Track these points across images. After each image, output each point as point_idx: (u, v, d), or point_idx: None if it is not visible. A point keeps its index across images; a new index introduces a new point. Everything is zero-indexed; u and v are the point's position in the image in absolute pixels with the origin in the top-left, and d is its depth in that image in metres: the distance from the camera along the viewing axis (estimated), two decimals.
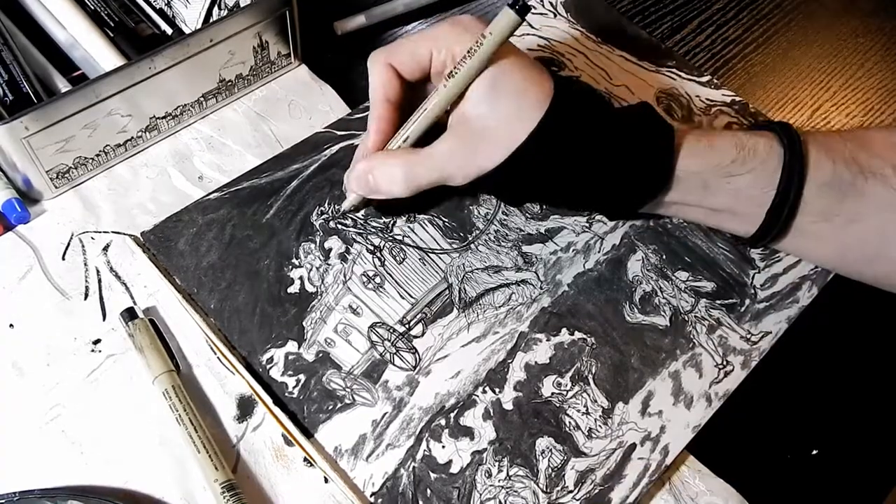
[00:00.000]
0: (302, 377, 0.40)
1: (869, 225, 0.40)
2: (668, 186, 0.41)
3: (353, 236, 0.45)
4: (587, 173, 0.40)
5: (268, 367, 0.40)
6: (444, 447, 0.39)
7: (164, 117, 0.48)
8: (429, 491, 0.37)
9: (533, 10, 0.59)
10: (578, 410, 0.40)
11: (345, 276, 0.43)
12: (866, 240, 0.40)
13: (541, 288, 0.44)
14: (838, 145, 0.40)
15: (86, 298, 0.42)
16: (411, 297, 0.43)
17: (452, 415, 0.40)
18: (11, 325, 0.40)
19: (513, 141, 0.38)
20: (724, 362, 0.43)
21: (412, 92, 0.42)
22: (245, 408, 0.39)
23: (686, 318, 0.44)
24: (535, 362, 0.42)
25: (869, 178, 0.39)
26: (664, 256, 0.46)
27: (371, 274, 0.44)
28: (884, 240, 0.40)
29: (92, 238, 0.44)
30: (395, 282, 0.44)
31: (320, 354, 0.41)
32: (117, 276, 0.43)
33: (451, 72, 0.38)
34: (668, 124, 0.40)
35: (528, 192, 0.44)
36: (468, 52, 0.37)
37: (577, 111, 0.39)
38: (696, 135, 0.41)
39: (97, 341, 0.40)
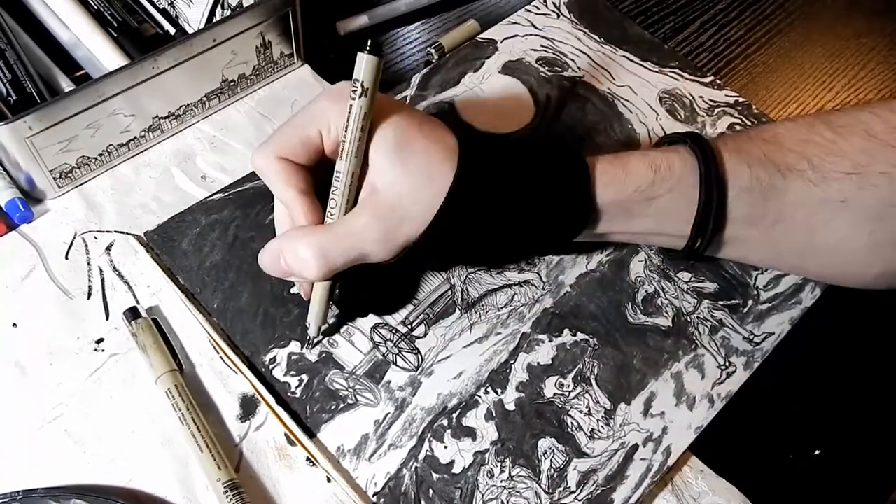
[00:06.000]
0: (305, 377, 0.40)
1: (795, 221, 0.39)
2: (590, 220, 0.39)
3: None
4: (510, 221, 0.38)
5: (271, 367, 0.40)
6: (446, 447, 0.39)
7: (167, 117, 0.48)
8: (431, 491, 0.37)
9: (536, 11, 0.59)
10: (581, 411, 0.40)
11: None
12: (794, 236, 0.40)
13: (543, 289, 0.44)
14: (751, 147, 0.40)
15: (89, 298, 0.42)
16: (414, 297, 0.43)
17: (455, 415, 0.40)
18: (14, 325, 0.41)
19: (431, 206, 0.35)
20: (727, 363, 0.43)
21: (320, 168, 0.38)
22: (248, 407, 0.39)
23: (688, 320, 0.44)
24: (538, 363, 0.42)
25: (787, 175, 0.38)
26: (666, 257, 0.46)
27: None
28: (810, 233, 0.39)
29: (95, 237, 0.44)
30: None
31: (323, 355, 0.41)
32: (120, 276, 0.43)
33: (341, 148, 0.35)
34: (581, 157, 0.39)
35: (458, 254, 0.44)
36: (347, 118, 0.34)
37: (486, 160, 0.37)
38: (608, 160, 0.39)
39: (100, 341, 0.41)
